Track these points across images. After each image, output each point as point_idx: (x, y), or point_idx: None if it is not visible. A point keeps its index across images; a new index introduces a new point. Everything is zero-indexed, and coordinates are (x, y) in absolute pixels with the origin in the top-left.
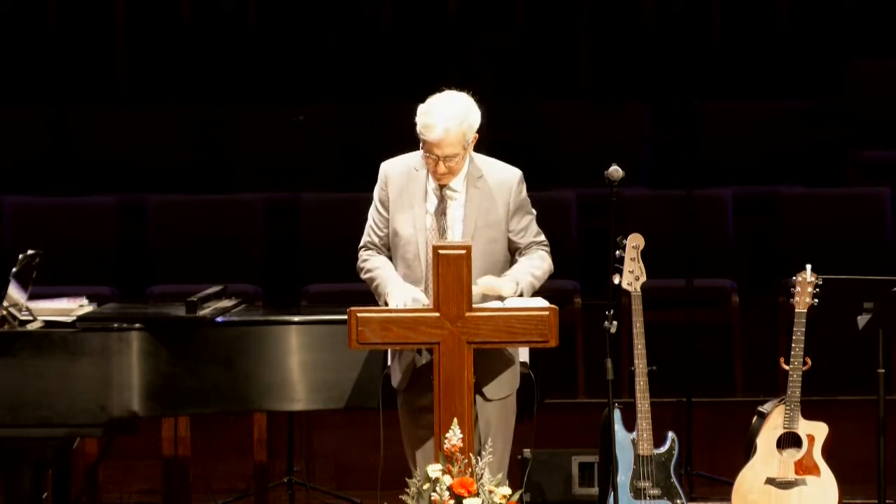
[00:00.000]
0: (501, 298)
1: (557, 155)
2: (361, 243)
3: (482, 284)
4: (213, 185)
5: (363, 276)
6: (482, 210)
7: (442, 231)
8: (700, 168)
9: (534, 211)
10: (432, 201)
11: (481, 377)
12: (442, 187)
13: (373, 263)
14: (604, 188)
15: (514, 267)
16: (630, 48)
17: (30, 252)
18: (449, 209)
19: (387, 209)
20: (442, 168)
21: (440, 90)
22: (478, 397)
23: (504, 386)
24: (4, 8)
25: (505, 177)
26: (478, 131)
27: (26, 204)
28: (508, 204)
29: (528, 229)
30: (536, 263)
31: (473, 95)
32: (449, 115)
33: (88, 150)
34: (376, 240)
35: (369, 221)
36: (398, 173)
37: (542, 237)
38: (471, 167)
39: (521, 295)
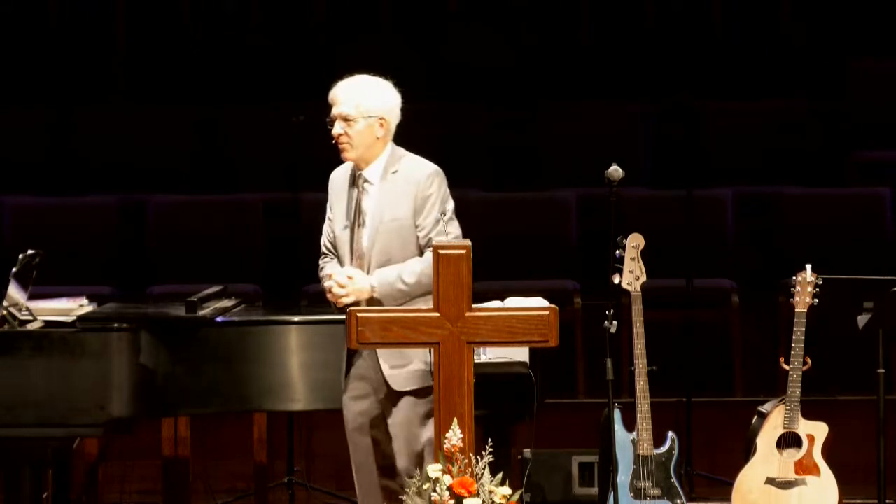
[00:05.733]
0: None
1: (557, 155)
2: (320, 250)
3: (346, 270)
4: (213, 185)
5: (322, 283)
6: (389, 204)
7: (360, 224)
8: (700, 168)
9: (447, 209)
10: (354, 192)
11: (390, 367)
12: (356, 178)
13: (326, 271)
14: (604, 188)
15: (391, 267)
16: (630, 48)
17: (30, 252)
18: (363, 201)
19: (332, 212)
20: (337, 128)
21: (440, 90)
22: (386, 389)
23: (414, 378)
24: (5, 8)
25: (416, 172)
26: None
27: (26, 204)
28: (415, 199)
29: (430, 227)
30: (416, 268)
31: (474, 95)
32: (355, 79)
33: (88, 150)
34: (328, 243)
35: (323, 227)
36: (339, 177)
37: (446, 236)
38: (388, 160)
39: (379, 300)
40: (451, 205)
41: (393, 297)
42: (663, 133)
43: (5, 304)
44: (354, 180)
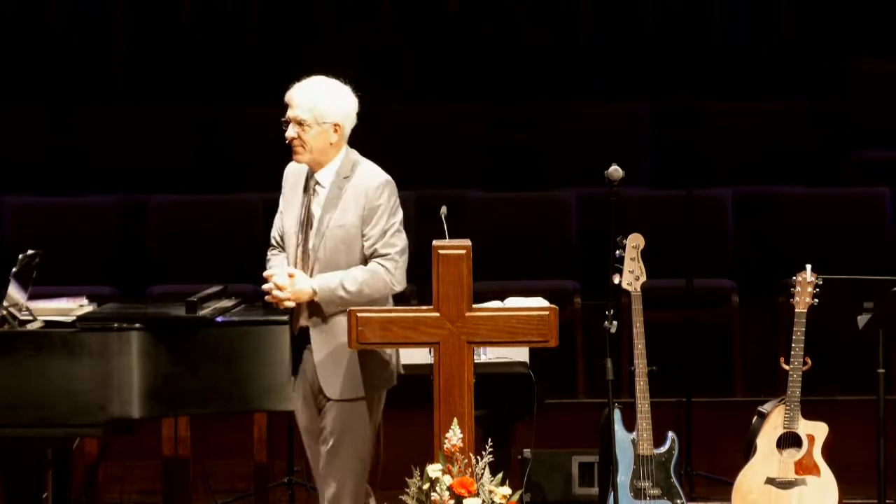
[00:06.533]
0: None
1: (557, 155)
2: (270, 242)
3: (289, 270)
4: (213, 185)
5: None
6: (338, 210)
7: (309, 225)
8: (700, 168)
9: (394, 220)
10: (305, 195)
11: (325, 373)
12: (308, 180)
13: (270, 264)
14: (604, 188)
15: (334, 272)
16: (630, 48)
17: (30, 252)
18: (312, 204)
19: (283, 205)
20: (291, 132)
21: (440, 90)
22: (322, 395)
23: (348, 386)
24: (5, 8)
25: (366, 181)
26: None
27: (26, 204)
28: (363, 208)
29: (376, 238)
30: (358, 276)
31: (475, 95)
32: (312, 82)
33: (88, 150)
34: (277, 235)
35: (275, 219)
36: (293, 172)
37: (391, 249)
38: (342, 165)
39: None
40: (399, 216)
41: (333, 302)
42: (663, 133)
43: (5, 304)
44: (307, 182)
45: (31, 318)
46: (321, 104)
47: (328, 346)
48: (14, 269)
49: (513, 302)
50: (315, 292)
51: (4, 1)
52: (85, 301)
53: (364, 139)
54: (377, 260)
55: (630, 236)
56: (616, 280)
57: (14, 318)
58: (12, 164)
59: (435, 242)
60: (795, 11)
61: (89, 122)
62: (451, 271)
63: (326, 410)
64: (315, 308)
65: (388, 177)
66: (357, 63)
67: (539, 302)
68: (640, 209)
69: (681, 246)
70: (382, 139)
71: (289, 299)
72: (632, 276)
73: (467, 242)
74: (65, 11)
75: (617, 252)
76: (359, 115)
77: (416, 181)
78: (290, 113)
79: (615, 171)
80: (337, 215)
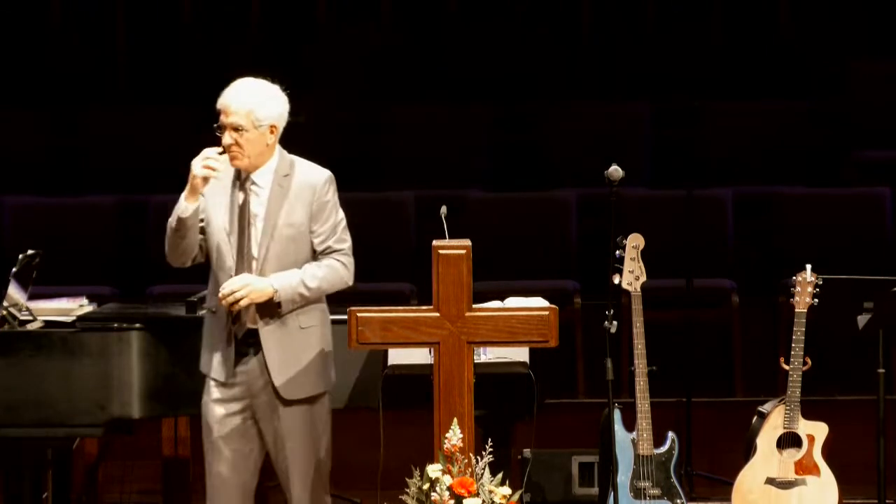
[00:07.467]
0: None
1: (558, 155)
2: None
3: (237, 278)
4: None
5: (169, 226)
6: (284, 209)
7: (246, 224)
8: (700, 168)
9: (341, 215)
10: (240, 194)
11: (282, 375)
12: (245, 181)
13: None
14: (604, 188)
15: (290, 271)
16: (630, 48)
17: (30, 252)
18: (251, 204)
19: (203, 197)
20: (228, 139)
21: (440, 90)
22: (270, 397)
23: (307, 384)
24: (5, 8)
25: (311, 178)
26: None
27: (26, 204)
28: (311, 205)
29: (328, 234)
30: (317, 273)
31: (474, 95)
32: (244, 87)
33: (88, 150)
34: None
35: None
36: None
37: (344, 245)
38: (279, 164)
39: (279, 304)
40: (342, 213)
41: (293, 301)
42: (663, 133)
43: (5, 304)
44: (240, 182)
45: (31, 318)
46: (257, 108)
47: (283, 346)
48: (14, 269)
49: (513, 302)
50: (276, 291)
51: (5, 1)
52: (85, 301)
53: (361, 140)
54: (333, 256)
55: (630, 236)
56: (616, 280)
57: (14, 318)
58: (12, 164)
59: (435, 242)
60: (795, 11)
61: (90, 122)
62: (451, 271)
63: (282, 413)
64: (267, 308)
65: (329, 172)
66: (357, 63)
67: (539, 302)
68: (640, 209)
69: (681, 246)
70: (382, 139)
71: (244, 298)
72: (632, 276)
73: (467, 242)
74: (65, 11)
75: (617, 252)
76: (355, 116)
77: (416, 181)
78: (225, 120)
79: (615, 171)
80: (284, 214)
